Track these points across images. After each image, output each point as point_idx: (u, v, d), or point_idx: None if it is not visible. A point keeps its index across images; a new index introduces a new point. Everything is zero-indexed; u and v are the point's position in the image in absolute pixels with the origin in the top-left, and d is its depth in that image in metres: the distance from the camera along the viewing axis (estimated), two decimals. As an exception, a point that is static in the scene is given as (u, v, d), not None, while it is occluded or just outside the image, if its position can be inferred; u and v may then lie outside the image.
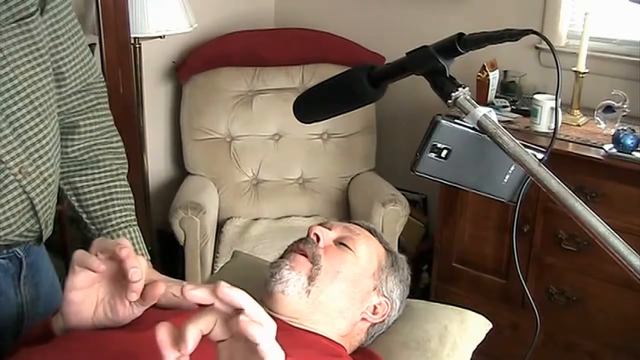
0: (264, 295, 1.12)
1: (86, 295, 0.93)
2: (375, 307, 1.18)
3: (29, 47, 1.05)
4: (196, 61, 2.84)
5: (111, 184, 1.23)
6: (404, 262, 1.26)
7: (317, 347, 1.07)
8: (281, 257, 1.16)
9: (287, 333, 1.06)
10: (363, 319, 1.16)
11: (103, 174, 1.23)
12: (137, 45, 2.53)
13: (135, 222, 1.24)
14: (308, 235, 1.17)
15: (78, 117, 1.22)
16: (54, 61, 1.14)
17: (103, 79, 1.27)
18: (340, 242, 1.17)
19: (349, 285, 1.14)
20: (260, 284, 1.18)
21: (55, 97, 1.13)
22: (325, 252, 1.14)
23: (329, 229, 1.19)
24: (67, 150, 1.21)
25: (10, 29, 1.02)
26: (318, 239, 1.15)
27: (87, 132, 1.22)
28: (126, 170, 1.28)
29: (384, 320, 1.20)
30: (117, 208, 1.22)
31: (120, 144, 1.28)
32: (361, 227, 1.24)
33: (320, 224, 1.21)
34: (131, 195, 1.26)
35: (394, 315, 1.22)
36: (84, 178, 1.22)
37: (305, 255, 1.13)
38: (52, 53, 1.13)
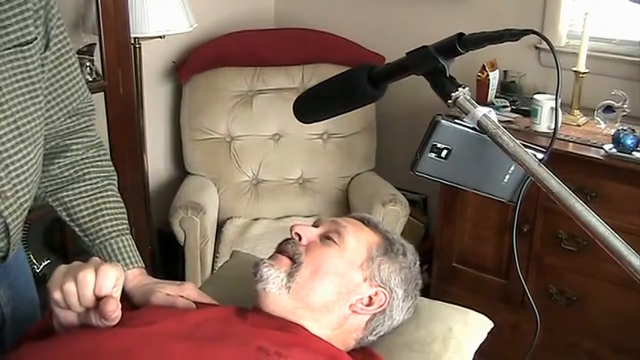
0: (253, 295, 1.14)
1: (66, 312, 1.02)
2: (370, 298, 1.14)
3: (21, 74, 1.05)
4: (196, 61, 2.84)
5: (98, 194, 1.23)
6: (407, 248, 1.21)
7: (314, 346, 1.06)
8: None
9: (283, 331, 1.06)
10: (354, 311, 1.13)
11: (89, 187, 1.23)
12: (137, 45, 2.52)
13: (128, 231, 1.24)
14: (291, 234, 1.18)
15: (69, 139, 1.23)
16: (52, 91, 1.14)
17: (92, 100, 1.27)
18: (325, 237, 1.17)
19: (333, 278, 1.12)
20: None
21: (42, 124, 1.13)
22: (308, 248, 1.15)
23: (317, 226, 1.20)
24: (53, 168, 1.22)
25: (6, 54, 1.02)
26: (300, 237, 1.16)
27: (75, 150, 1.23)
28: (114, 182, 1.28)
29: (384, 310, 1.15)
30: (107, 218, 1.22)
31: (107, 157, 1.29)
32: (355, 219, 1.23)
33: (309, 223, 1.21)
34: (122, 204, 1.26)
35: (399, 305, 1.17)
36: (70, 192, 1.22)
37: (288, 255, 1.15)
38: (51, 82, 1.13)
